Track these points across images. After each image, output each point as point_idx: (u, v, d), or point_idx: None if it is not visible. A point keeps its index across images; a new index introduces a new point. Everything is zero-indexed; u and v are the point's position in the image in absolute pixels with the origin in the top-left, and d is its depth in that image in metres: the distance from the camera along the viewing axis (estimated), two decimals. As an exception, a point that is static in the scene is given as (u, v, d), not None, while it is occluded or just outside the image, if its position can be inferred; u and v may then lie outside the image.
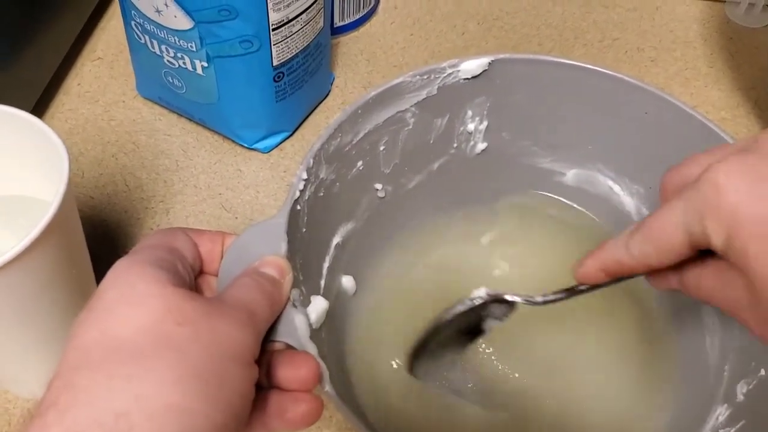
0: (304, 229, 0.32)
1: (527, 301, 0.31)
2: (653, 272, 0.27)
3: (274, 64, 0.42)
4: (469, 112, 0.37)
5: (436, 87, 0.35)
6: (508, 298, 0.31)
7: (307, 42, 0.43)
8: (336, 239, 0.36)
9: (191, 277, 0.27)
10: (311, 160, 0.32)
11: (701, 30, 0.55)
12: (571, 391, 0.35)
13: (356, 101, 0.34)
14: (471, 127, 0.37)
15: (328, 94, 0.50)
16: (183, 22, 0.40)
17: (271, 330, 0.27)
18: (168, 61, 0.43)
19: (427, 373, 0.34)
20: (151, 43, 0.43)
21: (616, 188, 0.38)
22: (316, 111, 0.49)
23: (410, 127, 0.36)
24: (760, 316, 0.22)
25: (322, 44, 0.45)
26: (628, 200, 0.37)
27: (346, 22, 0.53)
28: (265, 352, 0.26)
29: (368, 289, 0.38)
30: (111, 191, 0.44)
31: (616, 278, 0.27)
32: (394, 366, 0.36)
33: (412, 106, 0.35)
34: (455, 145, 0.38)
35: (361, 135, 0.34)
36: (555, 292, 0.30)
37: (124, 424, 0.20)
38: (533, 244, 0.40)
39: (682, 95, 0.50)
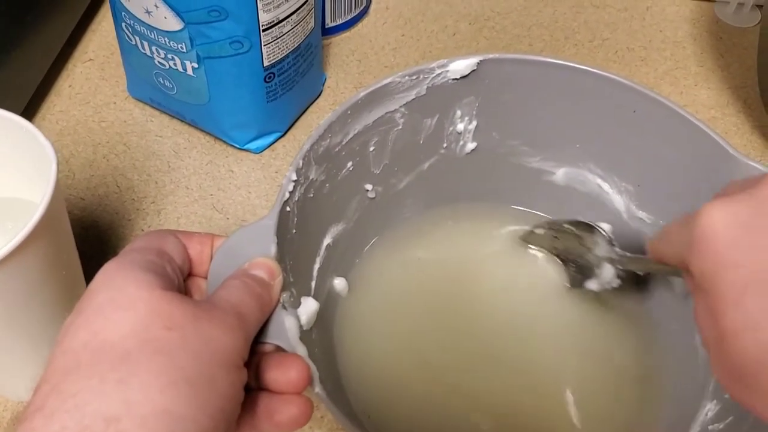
0: (294, 231, 0.32)
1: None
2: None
3: (265, 64, 0.42)
4: (459, 112, 0.37)
5: (426, 87, 0.35)
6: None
7: (297, 43, 0.43)
8: (326, 240, 0.36)
9: (180, 280, 0.27)
10: (301, 161, 0.32)
11: (691, 30, 0.55)
12: (557, 388, 0.35)
13: (346, 102, 0.34)
14: (460, 127, 0.38)
15: (319, 95, 0.50)
16: (173, 23, 0.40)
17: (261, 332, 0.27)
18: (158, 62, 0.43)
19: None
20: (142, 44, 0.43)
21: (605, 186, 0.38)
22: (308, 111, 0.49)
23: (400, 127, 0.36)
24: (723, 366, 0.22)
25: (313, 45, 0.45)
26: (617, 198, 0.38)
27: (338, 22, 0.53)
28: (255, 354, 0.26)
29: (359, 290, 0.38)
30: (102, 193, 0.44)
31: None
32: (385, 365, 0.36)
33: (401, 107, 0.35)
34: (445, 145, 0.38)
35: (350, 135, 0.34)
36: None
37: (114, 430, 0.20)
38: (524, 246, 0.40)
39: (672, 94, 0.50)
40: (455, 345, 0.37)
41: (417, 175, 0.39)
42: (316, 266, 0.35)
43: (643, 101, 0.34)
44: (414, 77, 0.35)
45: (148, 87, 0.46)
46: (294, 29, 0.42)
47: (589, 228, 0.37)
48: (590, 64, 0.35)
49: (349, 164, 0.35)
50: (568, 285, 0.38)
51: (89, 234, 0.42)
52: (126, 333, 0.22)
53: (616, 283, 0.36)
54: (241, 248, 0.29)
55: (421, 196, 0.40)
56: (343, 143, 0.34)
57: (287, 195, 0.31)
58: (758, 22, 0.54)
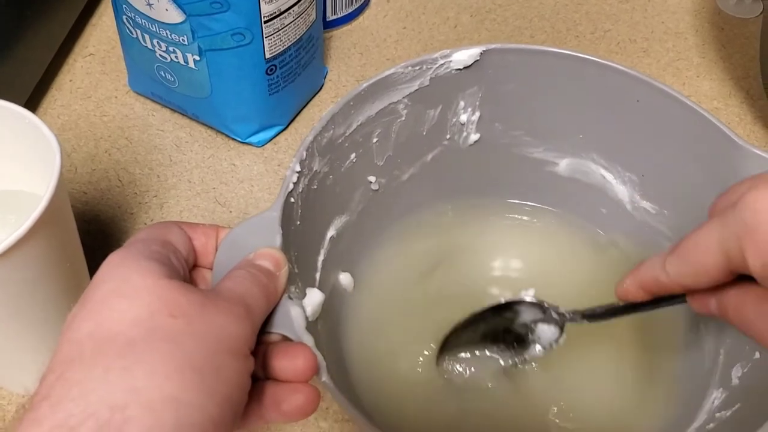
0: (298, 222, 0.32)
1: (564, 315, 0.32)
2: (693, 294, 0.26)
3: (267, 56, 0.42)
4: (462, 103, 0.37)
5: (429, 78, 0.35)
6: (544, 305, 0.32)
7: (299, 35, 0.43)
8: (330, 232, 0.36)
9: (185, 270, 0.27)
10: (304, 153, 0.32)
11: (693, 21, 0.55)
12: (565, 373, 0.35)
13: (349, 93, 0.33)
14: (464, 118, 0.37)
15: (321, 88, 0.50)
16: (174, 15, 0.40)
17: (267, 322, 0.27)
18: (160, 55, 0.43)
19: (453, 360, 0.35)
20: (143, 37, 0.43)
21: (609, 177, 0.38)
22: (310, 104, 0.49)
23: (403, 118, 0.36)
24: None
25: (315, 37, 0.45)
26: (621, 188, 0.38)
27: (339, 15, 0.53)
28: (261, 344, 0.26)
29: (364, 282, 0.38)
30: (104, 187, 0.44)
31: (656, 298, 0.27)
32: (392, 358, 0.36)
33: (404, 98, 0.35)
34: (448, 136, 0.38)
35: (354, 127, 0.34)
36: (597, 309, 0.31)
37: (120, 417, 0.20)
38: (531, 236, 0.40)
39: (675, 86, 0.50)
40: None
41: (420, 166, 0.39)
42: (321, 258, 0.35)
43: (647, 90, 0.34)
44: (417, 68, 0.35)
45: (150, 81, 0.46)
46: (295, 21, 0.42)
47: (507, 307, 0.34)
48: (591, 53, 0.35)
49: (353, 156, 0.35)
50: (514, 365, 0.35)
51: (92, 228, 0.42)
52: (131, 321, 0.22)
53: (562, 337, 0.33)
54: (245, 239, 0.29)
55: (425, 188, 0.40)
56: (347, 135, 0.34)
57: (291, 186, 0.31)
58: (760, 13, 0.54)
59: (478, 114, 0.38)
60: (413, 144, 0.38)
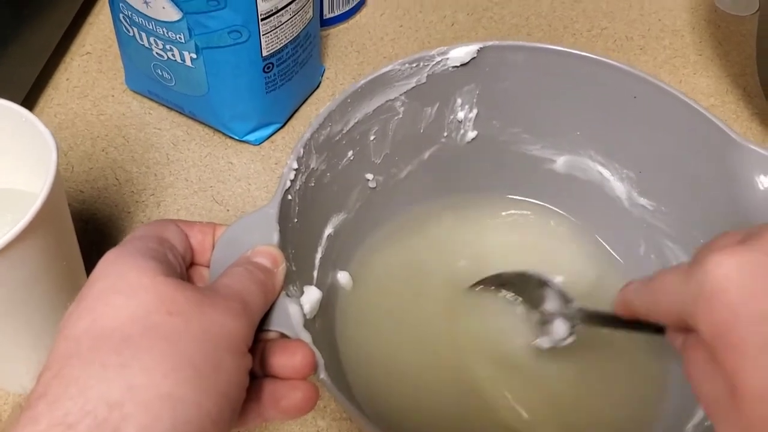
0: (295, 220, 0.32)
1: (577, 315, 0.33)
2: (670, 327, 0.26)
3: (264, 54, 0.42)
4: (459, 100, 0.37)
5: (425, 75, 0.35)
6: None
7: (296, 32, 0.43)
8: (328, 230, 0.36)
9: (183, 268, 0.27)
10: (301, 150, 0.32)
11: (689, 18, 0.55)
12: (559, 375, 0.35)
13: (346, 90, 0.33)
14: (461, 115, 0.37)
15: (318, 86, 0.50)
16: (171, 13, 0.40)
17: (265, 319, 0.27)
18: (157, 53, 0.43)
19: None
20: (140, 35, 0.43)
21: (606, 173, 0.38)
22: (307, 103, 0.49)
23: (400, 116, 0.36)
24: (735, 429, 0.20)
25: (312, 35, 0.45)
26: (618, 185, 0.38)
27: (336, 13, 0.53)
28: (259, 342, 0.26)
29: (362, 279, 0.38)
30: (101, 185, 0.44)
31: (638, 322, 0.27)
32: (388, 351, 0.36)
33: (401, 95, 0.35)
34: (445, 133, 0.38)
35: (351, 124, 0.34)
36: (601, 315, 0.32)
37: (118, 414, 0.20)
38: (528, 232, 0.40)
39: (671, 83, 0.49)
40: (458, 334, 0.37)
41: (418, 164, 0.39)
42: (318, 255, 0.35)
43: (644, 87, 0.34)
44: (414, 65, 0.35)
45: (147, 79, 0.46)
46: (293, 19, 0.42)
47: (539, 282, 0.35)
48: (588, 50, 0.35)
49: (350, 153, 0.35)
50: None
51: (89, 227, 0.42)
52: (127, 319, 0.22)
53: (570, 339, 0.33)
54: (243, 237, 0.29)
55: (423, 185, 0.39)
56: (344, 132, 0.34)
57: (288, 183, 0.31)
58: (756, 10, 0.54)
59: (475, 111, 0.38)
60: (411, 141, 0.38)
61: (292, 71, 0.44)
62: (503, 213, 0.40)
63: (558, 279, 0.35)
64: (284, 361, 0.26)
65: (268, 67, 0.43)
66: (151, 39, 0.42)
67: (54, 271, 0.30)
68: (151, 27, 0.41)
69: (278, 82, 0.44)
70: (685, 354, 0.24)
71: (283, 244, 0.29)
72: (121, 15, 0.43)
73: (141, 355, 0.21)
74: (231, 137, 0.46)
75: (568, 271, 0.38)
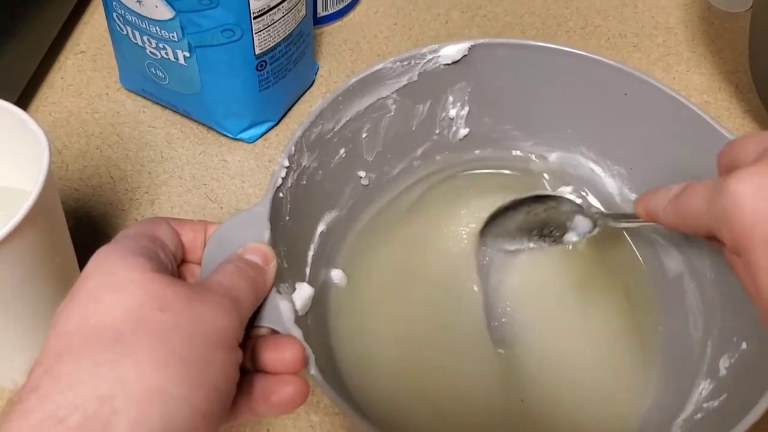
0: (287, 218, 0.32)
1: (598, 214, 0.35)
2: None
3: (257, 52, 0.42)
4: (451, 98, 0.37)
5: (417, 73, 0.35)
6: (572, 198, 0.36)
7: (289, 30, 0.43)
8: (320, 227, 0.36)
9: (173, 265, 0.27)
10: (293, 148, 0.32)
11: (683, 16, 0.55)
12: (552, 369, 0.35)
13: (337, 88, 0.34)
14: (453, 112, 0.38)
15: (312, 84, 0.50)
16: (164, 12, 0.40)
17: (256, 316, 0.27)
18: (150, 52, 0.43)
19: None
20: (133, 34, 0.43)
21: (598, 170, 0.38)
22: (301, 101, 0.49)
23: (392, 114, 0.36)
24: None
25: (305, 33, 0.45)
26: (610, 182, 0.38)
27: (330, 12, 0.53)
28: (250, 338, 0.27)
29: (355, 277, 0.38)
30: (96, 183, 0.44)
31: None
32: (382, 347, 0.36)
33: (393, 93, 0.35)
34: (437, 131, 0.38)
35: (342, 122, 0.35)
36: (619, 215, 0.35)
37: (108, 409, 0.20)
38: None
39: (665, 80, 0.50)
40: (450, 329, 0.37)
41: (410, 162, 0.39)
42: (311, 253, 0.35)
43: (634, 83, 0.34)
44: (405, 63, 0.35)
45: (140, 78, 0.46)
46: (285, 17, 0.42)
47: (552, 198, 0.37)
48: (578, 46, 0.35)
49: (342, 151, 0.36)
50: (547, 245, 0.37)
51: (83, 225, 0.42)
52: (118, 315, 0.22)
53: (596, 231, 0.35)
54: (234, 234, 0.29)
55: (415, 183, 0.40)
56: (335, 130, 0.34)
57: (280, 181, 0.31)
58: (749, 8, 0.54)
59: (467, 109, 0.38)
60: (402, 139, 0.38)
61: (285, 69, 0.45)
62: (496, 209, 0.40)
63: (567, 188, 0.37)
64: (275, 356, 0.26)
65: (261, 65, 0.43)
66: (145, 38, 0.42)
67: (47, 269, 0.30)
68: (144, 26, 0.41)
69: (271, 80, 0.44)
70: (729, 262, 0.26)
71: (275, 242, 0.29)
72: (114, 14, 0.43)
73: (131, 351, 0.21)
74: (225, 135, 0.46)
75: (565, 265, 0.38)
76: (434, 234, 0.40)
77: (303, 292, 0.31)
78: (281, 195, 0.31)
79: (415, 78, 0.35)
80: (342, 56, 0.52)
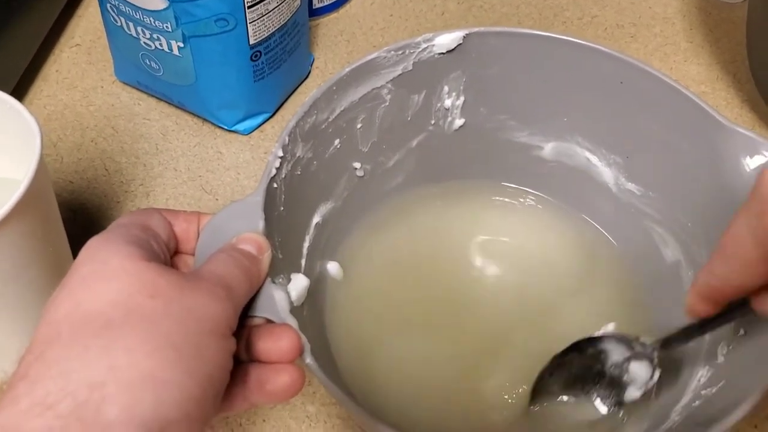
0: (281, 208, 0.32)
1: (645, 346, 0.31)
2: (755, 295, 0.25)
3: (251, 42, 0.42)
4: (446, 88, 0.37)
5: (412, 62, 0.35)
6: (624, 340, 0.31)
7: (283, 20, 0.43)
8: (315, 218, 0.36)
9: (166, 255, 0.27)
10: (287, 138, 0.32)
11: (680, 6, 0.55)
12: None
13: (331, 78, 0.33)
14: (448, 102, 0.37)
15: (308, 75, 0.50)
16: (157, 2, 0.40)
17: (251, 305, 0.27)
18: (144, 42, 0.43)
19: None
20: (127, 25, 0.43)
21: (594, 159, 0.38)
22: (296, 92, 0.49)
23: (387, 104, 0.36)
24: None
25: (300, 23, 0.45)
26: (606, 171, 0.38)
27: (326, 3, 0.52)
28: (245, 327, 0.26)
29: (351, 268, 0.38)
30: (91, 176, 0.44)
31: (726, 309, 0.26)
32: (378, 342, 0.36)
33: (388, 83, 0.35)
34: (433, 121, 0.38)
35: (337, 112, 0.34)
36: (674, 334, 0.30)
37: (98, 395, 0.20)
38: (516, 219, 0.40)
39: (662, 70, 0.49)
40: (446, 321, 0.37)
41: (405, 152, 0.39)
42: (306, 244, 0.35)
43: (630, 71, 0.34)
44: (400, 52, 0.35)
45: (135, 70, 0.46)
46: (279, 6, 0.42)
47: (593, 341, 0.32)
48: (574, 35, 0.35)
49: (337, 142, 0.35)
50: (606, 411, 0.32)
51: (78, 217, 0.42)
52: (109, 302, 0.22)
53: (657, 375, 0.31)
54: (228, 225, 0.29)
55: (410, 173, 0.39)
56: (330, 120, 0.34)
57: (274, 171, 0.31)
58: (747, -3, 0.54)
59: (462, 99, 0.37)
60: (398, 130, 0.37)
61: (280, 60, 0.44)
62: (492, 199, 0.40)
63: (609, 326, 0.33)
64: (270, 345, 0.26)
65: (256, 56, 0.43)
66: (139, 28, 0.42)
67: (39, 258, 0.30)
68: (138, 16, 0.41)
69: (266, 71, 0.44)
70: None
71: (269, 232, 0.29)
72: (108, 5, 0.43)
73: (122, 337, 0.21)
74: (220, 127, 0.46)
75: (554, 256, 0.38)
76: (431, 225, 0.40)
77: (298, 283, 0.31)
78: (275, 185, 0.31)
79: (410, 67, 0.35)
80: (338, 48, 0.51)
